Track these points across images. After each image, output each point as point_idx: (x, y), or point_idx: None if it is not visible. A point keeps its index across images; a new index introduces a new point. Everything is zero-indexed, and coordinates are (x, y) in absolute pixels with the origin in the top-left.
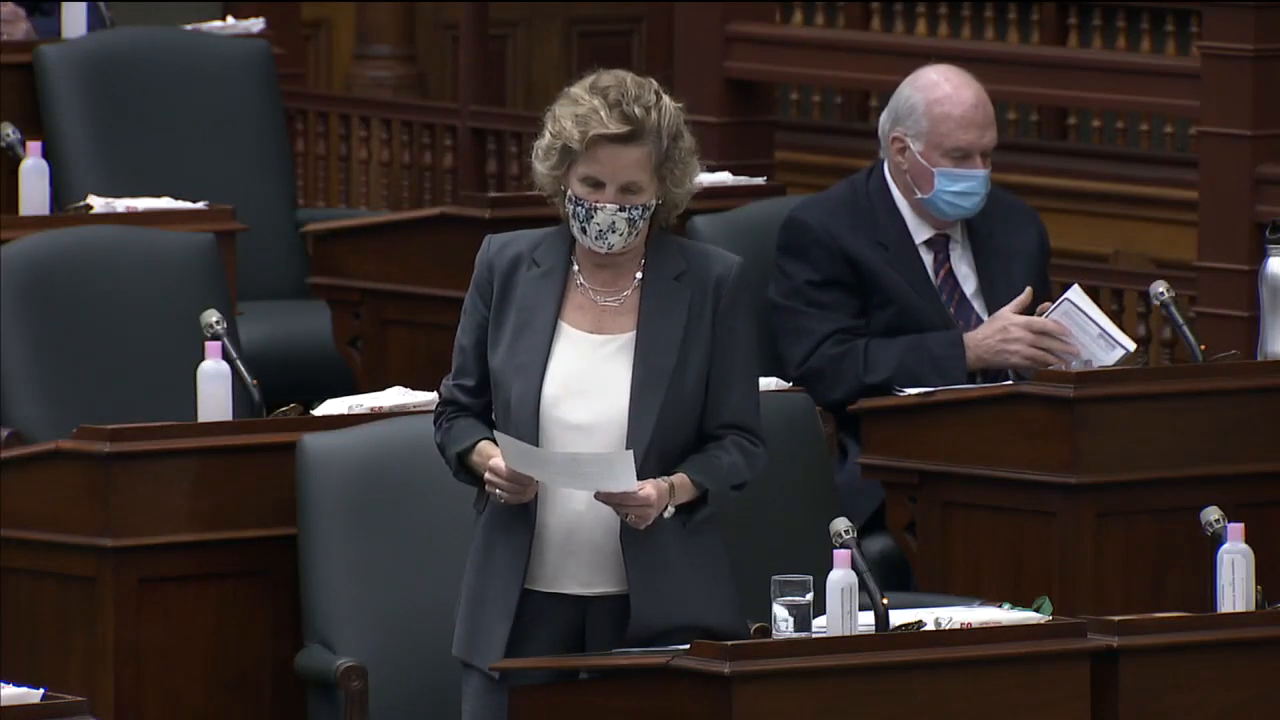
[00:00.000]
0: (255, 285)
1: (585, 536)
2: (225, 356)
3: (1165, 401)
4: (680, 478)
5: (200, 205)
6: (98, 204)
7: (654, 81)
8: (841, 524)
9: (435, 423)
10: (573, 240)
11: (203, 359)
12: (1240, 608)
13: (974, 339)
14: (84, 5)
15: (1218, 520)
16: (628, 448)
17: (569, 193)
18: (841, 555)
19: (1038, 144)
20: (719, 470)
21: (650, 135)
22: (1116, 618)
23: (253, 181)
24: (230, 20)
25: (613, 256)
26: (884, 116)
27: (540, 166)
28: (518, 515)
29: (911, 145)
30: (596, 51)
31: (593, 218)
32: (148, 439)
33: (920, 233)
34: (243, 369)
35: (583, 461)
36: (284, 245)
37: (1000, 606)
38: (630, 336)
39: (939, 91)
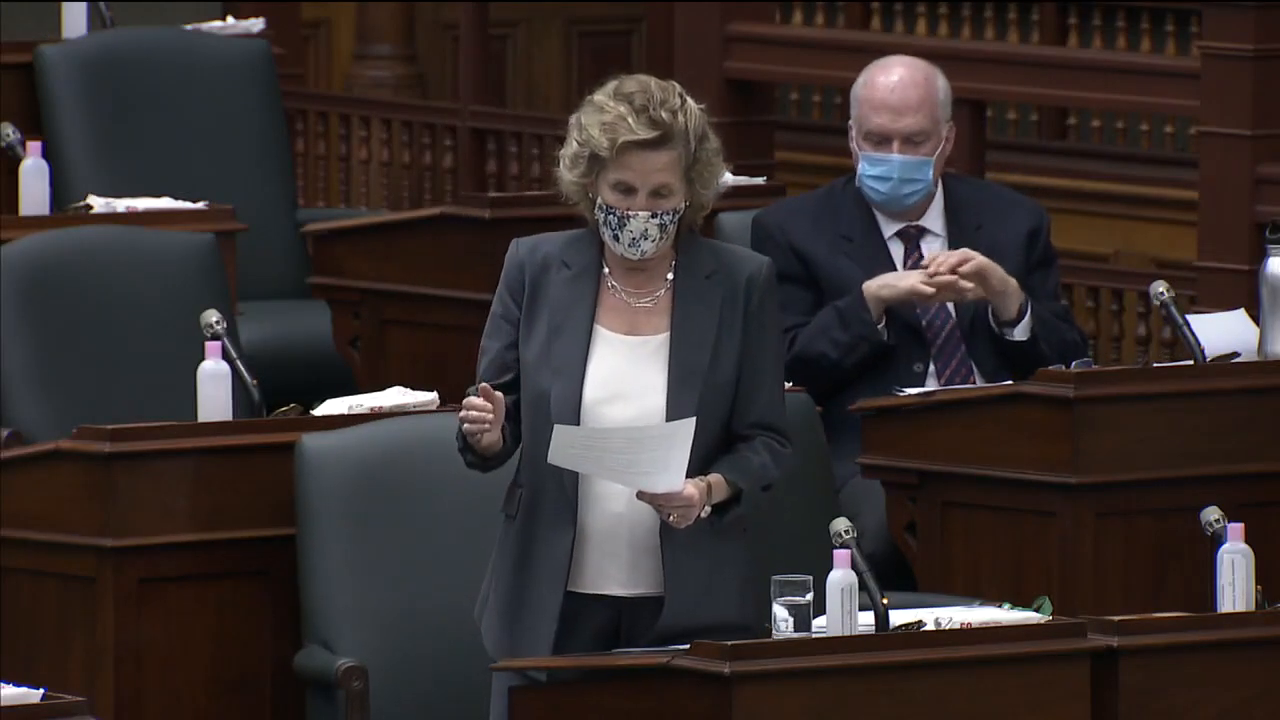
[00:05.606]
0: (255, 285)
1: (626, 537)
2: (225, 356)
3: (1165, 401)
4: (716, 477)
5: (200, 205)
6: (98, 204)
7: (677, 85)
8: (841, 524)
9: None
10: (602, 242)
11: (203, 359)
12: (1240, 608)
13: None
14: (84, 5)
15: (1218, 520)
16: None
17: (599, 201)
18: (841, 555)
19: (1038, 144)
20: (751, 471)
21: (678, 138)
22: (1116, 618)
23: (253, 181)
24: (230, 20)
25: (644, 260)
26: None
27: (568, 175)
28: (560, 517)
29: (853, 131)
30: (596, 51)
31: (625, 225)
32: (148, 439)
33: (891, 225)
34: (243, 369)
35: (644, 435)
36: (284, 245)
37: (1000, 606)
38: (664, 337)
39: (869, 76)
